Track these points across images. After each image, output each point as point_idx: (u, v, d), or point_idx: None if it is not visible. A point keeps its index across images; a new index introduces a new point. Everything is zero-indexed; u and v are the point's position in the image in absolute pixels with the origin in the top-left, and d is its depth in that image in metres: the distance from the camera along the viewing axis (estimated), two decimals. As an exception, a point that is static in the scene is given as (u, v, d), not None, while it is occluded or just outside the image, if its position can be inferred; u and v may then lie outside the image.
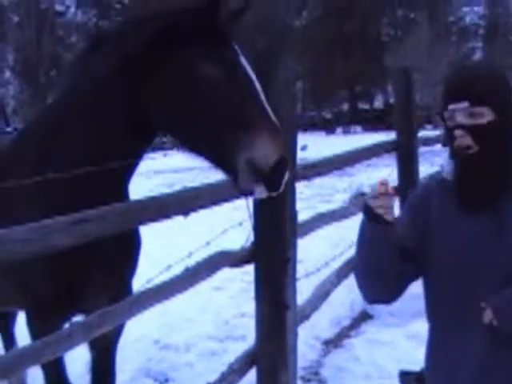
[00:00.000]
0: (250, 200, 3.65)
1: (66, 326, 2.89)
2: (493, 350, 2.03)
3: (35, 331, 3.27)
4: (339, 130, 44.52)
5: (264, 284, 3.88)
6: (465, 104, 1.98)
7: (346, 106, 54.98)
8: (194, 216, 3.27)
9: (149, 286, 3.25)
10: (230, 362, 4.05)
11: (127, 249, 3.35)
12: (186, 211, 3.20)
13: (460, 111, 1.99)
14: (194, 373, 5.28)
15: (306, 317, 4.77)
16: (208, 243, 3.71)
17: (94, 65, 3.02)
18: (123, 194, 3.23)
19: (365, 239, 2.14)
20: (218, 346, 5.85)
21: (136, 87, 2.87)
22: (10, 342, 5.23)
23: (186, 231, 7.09)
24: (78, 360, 3.84)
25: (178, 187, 16.31)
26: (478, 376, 2.06)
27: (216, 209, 3.64)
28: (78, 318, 3.01)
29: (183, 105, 2.78)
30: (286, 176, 2.65)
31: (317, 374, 5.29)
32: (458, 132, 1.99)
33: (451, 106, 2.02)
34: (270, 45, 3.80)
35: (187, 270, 3.36)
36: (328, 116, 52.03)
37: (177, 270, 3.41)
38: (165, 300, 3.23)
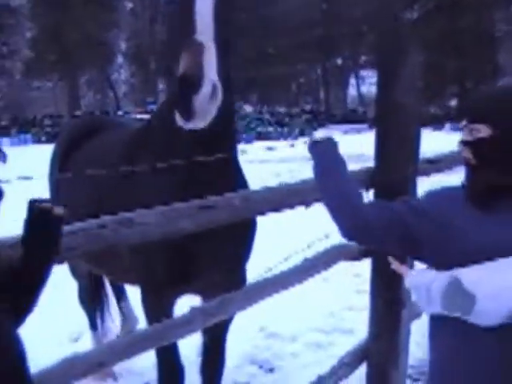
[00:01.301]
0: (370, 193, 3.59)
1: (186, 311, 2.92)
2: None
3: (148, 307, 3.47)
4: (447, 126, 43.48)
5: (380, 280, 3.80)
6: (464, 122, 2.24)
7: (454, 102, 53.75)
8: (315, 206, 3.23)
9: (267, 275, 3.25)
10: (340, 356, 4.01)
11: (242, 230, 3.37)
12: (307, 202, 3.17)
13: (464, 128, 2.24)
14: (300, 363, 5.27)
15: (417, 315, 4.66)
16: (327, 236, 3.67)
17: None
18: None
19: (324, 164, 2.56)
20: (324, 337, 5.82)
21: None
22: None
23: (307, 222, 7.08)
24: (188, 345, 3.90)
25: (285, 177, 16.74)
26: None
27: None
28: (197, 304, 3.04)
29: None
30: (199, 101, 2.45)
31: (424, 373, 5.18)
32: (459, 146, 2.27)
33: (460, 124, 2.27)
34: (397, 40, 3.71)
35: (306, 260, 3.34)
36: (433, 111, 50.97)
37: (295, 260, 3.39)
38: (282, 290, 3.22)
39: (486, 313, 2.04)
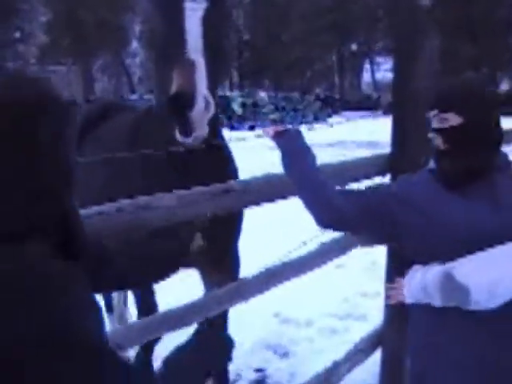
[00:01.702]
0: (387, 178, 3.58)
1: (202, 295, 2.93)
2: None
3: None
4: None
5: (395, 266, 3.79)
6: (435, 111, 2.37)
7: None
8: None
9: (284, 260, 3.25)
10: (355, 342, 4.01)
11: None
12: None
13: (434, 117, 2.37)
14: (314, 349, 5.29)
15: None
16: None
17: None
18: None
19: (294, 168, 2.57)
20: (338, 323, 5.83)
21: None
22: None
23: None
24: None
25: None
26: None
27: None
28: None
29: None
30: (195, 117, 2.64)
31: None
32: (430, 134, 2.40)
33: (428, 114, 2.42)
34: (414, 22, 3.69)
35: (323, 245, 3.34)
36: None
37: (311, 245, 3.39)
38: (299, 275, 3.22)
39: (483, 302, 2.13)
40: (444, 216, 2.28)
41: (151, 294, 4.09)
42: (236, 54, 54.51)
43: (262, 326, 5.77)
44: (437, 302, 2.24)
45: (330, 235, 3.52)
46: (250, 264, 5.00)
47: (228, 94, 39.85)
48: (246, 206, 2.87)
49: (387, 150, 3.67)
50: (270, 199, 2.91)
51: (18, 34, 54.18)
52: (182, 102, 2.61)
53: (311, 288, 6.29)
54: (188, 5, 2.85)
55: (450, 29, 44.70)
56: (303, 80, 65.64)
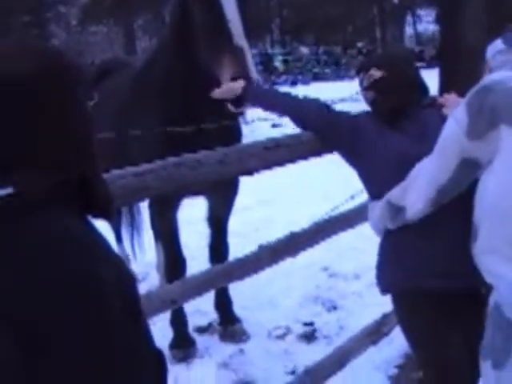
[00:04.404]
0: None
1: (255, 249, 2.97)
2: None
3: (154, 213, 4.29)
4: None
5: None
6: (362, 73, 2.90)
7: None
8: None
9: (334, 213, 3.28)
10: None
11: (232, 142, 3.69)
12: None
13: (363, 78, 2.90)
14: (362, 302, 5.30)
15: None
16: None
17: None
18: None
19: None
20: (386, 277, 5.83)
21: None
22: None
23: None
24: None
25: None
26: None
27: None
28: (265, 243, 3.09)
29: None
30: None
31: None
32: (363, 93, 2.92)
33: (360, 76, 2.94)
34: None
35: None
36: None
37: (361, 199, 3.40)
38: (348, 228, 3.24)
39: (416, 213, 2.53)
40: (381, 146, 2.71)
41: (178, 245, 4.39)
42: (277, 10, 53.90)
43: (311, 280, 5.82)
44: (390, 225, 2.66)
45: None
46: (299, 219, 5.03)
47: (269, 51, 39.64)
48: (295, 161, 2.89)
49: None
50: (318, 154, 2.94)
51: (58, -4, 54.27)
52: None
53: (358, 242, 6.31)
54: None
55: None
56: (345, 34, 64.80)
